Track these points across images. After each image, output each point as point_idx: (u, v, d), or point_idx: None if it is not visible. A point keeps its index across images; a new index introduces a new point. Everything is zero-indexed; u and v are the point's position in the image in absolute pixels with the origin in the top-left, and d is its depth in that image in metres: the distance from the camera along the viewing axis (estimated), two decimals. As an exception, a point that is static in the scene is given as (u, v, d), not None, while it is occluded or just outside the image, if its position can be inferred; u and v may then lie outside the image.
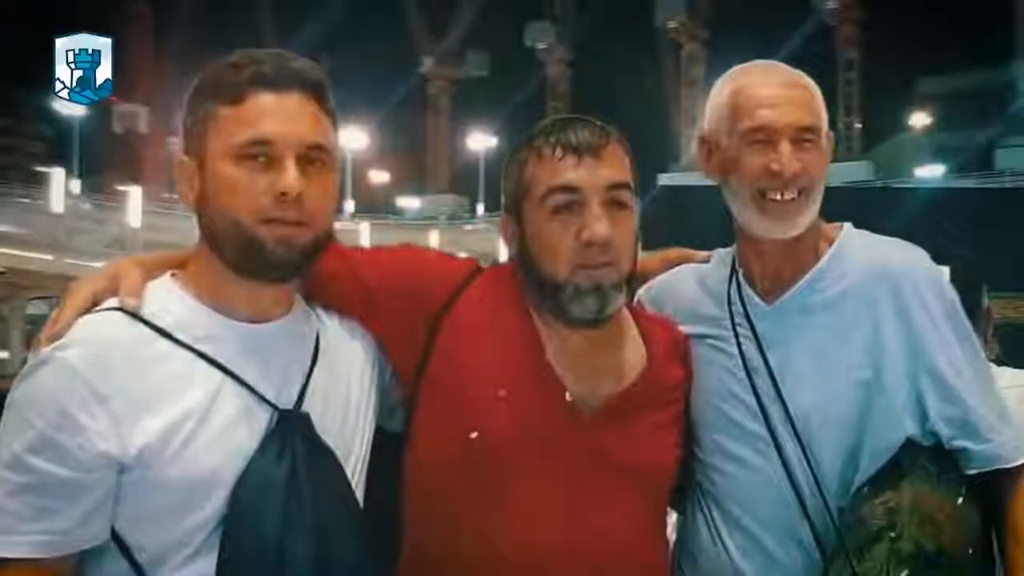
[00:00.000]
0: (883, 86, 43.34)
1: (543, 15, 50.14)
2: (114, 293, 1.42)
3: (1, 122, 50.25)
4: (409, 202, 49.66)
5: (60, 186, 35.16)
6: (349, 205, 39.84)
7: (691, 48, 46.23)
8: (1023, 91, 39.31)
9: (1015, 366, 2.56)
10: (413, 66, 51.79)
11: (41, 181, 36.41)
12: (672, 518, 1.87)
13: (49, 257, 26.87)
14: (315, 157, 1.41)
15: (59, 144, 43.70)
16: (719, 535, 1.75)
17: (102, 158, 45.14)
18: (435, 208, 46.70)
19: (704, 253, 1.95)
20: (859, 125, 42.51)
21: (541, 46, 50.01)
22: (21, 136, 51.75)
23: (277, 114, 1.39)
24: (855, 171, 30.95)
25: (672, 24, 46.57)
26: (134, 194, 34.31)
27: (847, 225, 1.82)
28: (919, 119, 43.49)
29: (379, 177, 51.23)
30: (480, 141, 44.81)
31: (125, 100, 46.09)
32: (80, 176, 39.76)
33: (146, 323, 1.38)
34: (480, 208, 43.35)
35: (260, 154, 1.38)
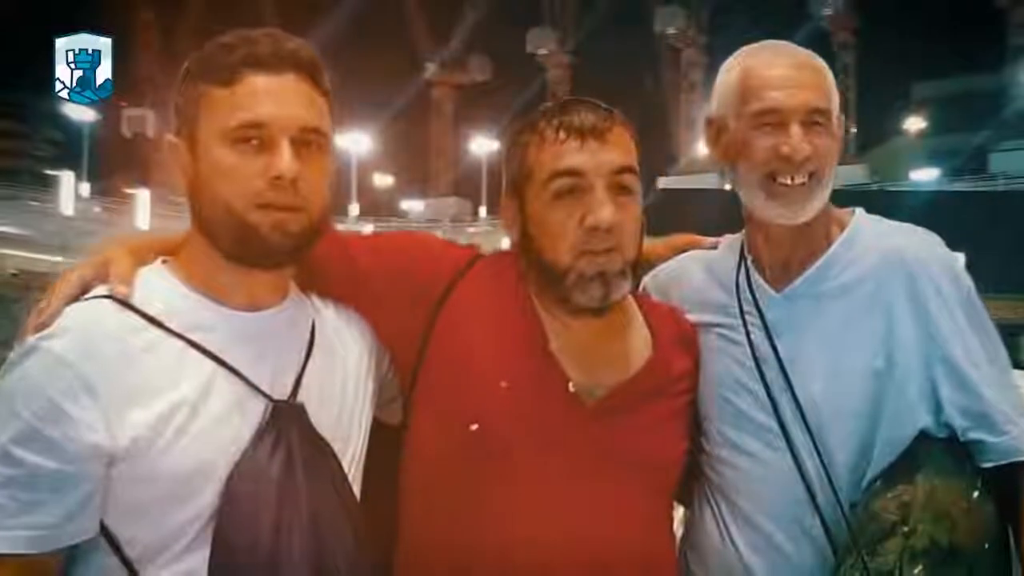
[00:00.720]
0: (878, 91, 43.89)
1: (544, 21, 50.67)
2: (104, 280, 1.38)
3: (10, 126, 50.76)
4: (413, 205, 50.13)
5: (69, 189, 35.80)
6: (354, 208, 40.42)
7: (690, 53, 46.80)
8: (1016, 95, 39.72)
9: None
10: (417, 71, 52.31)
11: (51, 184, 37.08)
12: (679, 512, 1.84)
13: (59, 259, 27.24)
14: (310, 139, 1.37)
15: (68, 148, 44.24)
16: (727, 530, 1.72)
17: (111, 161, 45.67)
18: (439, 211, 47.15)
19: (712, 239, 1.90)
20: (854, 129, 43.02)
21: (542, 51, 50.51)
22: (31, 140, 52.20)
23: (271, 96, 1.35)
24: (851, 174, 31.23)
25: (671, 30, 47.13)
26: (142, 197, 34.88)
27: (859, 210, 1.78)
28: (914, 123, 43.95)
29: (383, 180, 51.76)
30: (483, 145, 45.22)
31: (133, 104, 46.67)
32: (89, 179, 40.32)
33: (136, 311, 1.34)
34: (483, 211, 43.85)
35: (254, 137, 1.34)
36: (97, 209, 38.23)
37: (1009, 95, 40.06)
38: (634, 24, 48.63)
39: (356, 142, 39.47)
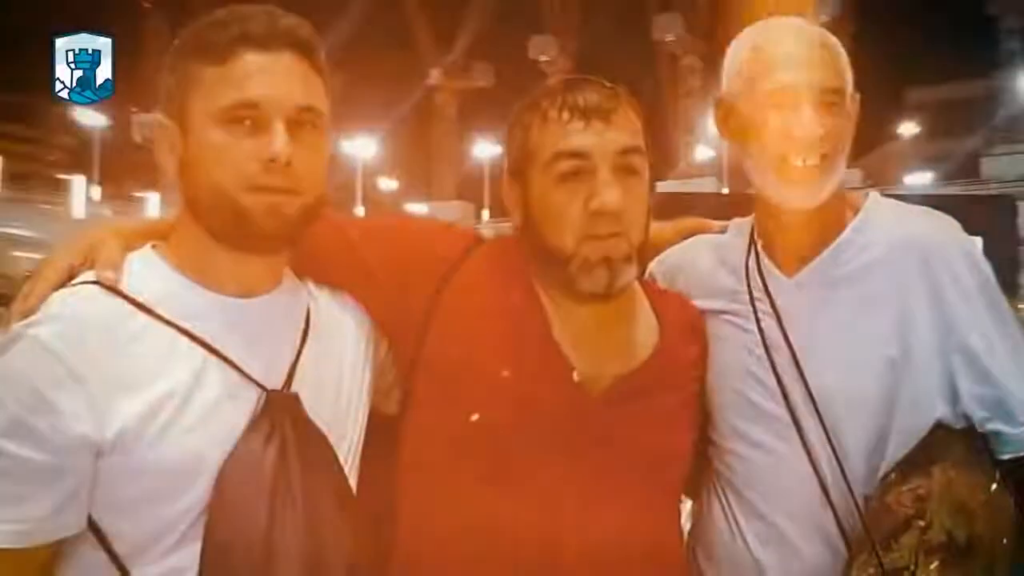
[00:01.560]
0: (873, 96, 44.40)
1: (546, 28, 51.42)
2: (91, 266, 1.34)
3: (24, 131, 51.48)
4: (417, 209, 50.74)
5: (81, 193, 36.52)
6: (359, 212, 41.20)
7: (688, 60, 47.54)
8: (1008, 102, 40.36)
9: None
10: (420, 77, 53.05)
11: (63, 188, 37.85)
12: (686, 505, 1.79)
13: (70, 261, 27.94)
14: (305, 120, 1.32)
15: (80, 152, 45.00)
16: (737, 524, 1.67)
17: (121, 166, 46.42)
18: (442, 214, 47.73)
19: (720, 223, 1.86)
20: (849, 134, 43.46)
21: (544, 58, 51.14)
22: (43, 144, 52.84)
23: (265, 75, 1.30)
24: (846, 178, 31.73)
25: (669, 37, 47.88)
26: (152, 201, 35.68)
27: (873, 193, 1.73)
28: (908, 128, 44.66)
29: (388, 185, 52.54)
30: (485, 149, 45.92)
31: (144, 110, 47.31)
32: (100, 183, 41.13)
33: (125, 298, 1.30)
34: (486, 214, 44.57)
35: (247, 117, 1.29)
36: (108, 212, 38.79)
37: (1001, 101, 40.71)
38: (633, 32, 49.40)
39: (361, 147, 40.28)
